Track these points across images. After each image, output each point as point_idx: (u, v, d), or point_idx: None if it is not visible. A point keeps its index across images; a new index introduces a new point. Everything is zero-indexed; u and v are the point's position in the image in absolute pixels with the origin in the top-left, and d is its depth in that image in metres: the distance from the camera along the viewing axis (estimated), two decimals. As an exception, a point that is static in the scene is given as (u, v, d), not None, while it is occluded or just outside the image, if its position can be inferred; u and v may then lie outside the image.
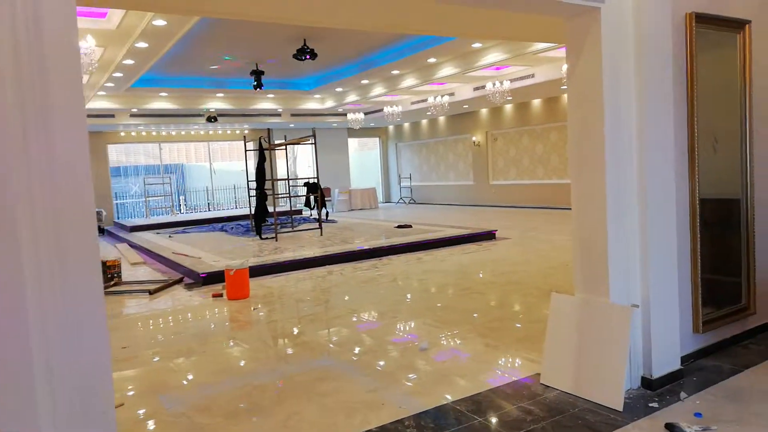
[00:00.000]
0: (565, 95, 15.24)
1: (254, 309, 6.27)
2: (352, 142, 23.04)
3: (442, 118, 20.07)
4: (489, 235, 10.40)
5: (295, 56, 10.43)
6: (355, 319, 5.65)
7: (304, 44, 10.38)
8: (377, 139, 23.61)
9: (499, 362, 4.17)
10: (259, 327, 5.65)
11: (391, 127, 22.99)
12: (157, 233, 13.98)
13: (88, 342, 2.11)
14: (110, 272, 8.21)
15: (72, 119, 2.04)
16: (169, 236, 13.01)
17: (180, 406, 3.65)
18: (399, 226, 11.79)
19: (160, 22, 7.57)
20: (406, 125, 22.01)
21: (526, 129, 16.96)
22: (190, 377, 4.21)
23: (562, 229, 11.58)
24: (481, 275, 7.54)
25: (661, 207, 3.49)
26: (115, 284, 8.07)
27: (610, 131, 3.37)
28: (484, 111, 18.22)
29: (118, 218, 18.88)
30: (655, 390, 3.44)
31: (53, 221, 2.02)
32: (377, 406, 3.46)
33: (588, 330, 3.47)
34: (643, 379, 3.49)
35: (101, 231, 16.45)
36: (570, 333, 3.56)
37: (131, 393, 3.93)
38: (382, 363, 4.27)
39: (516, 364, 4.09)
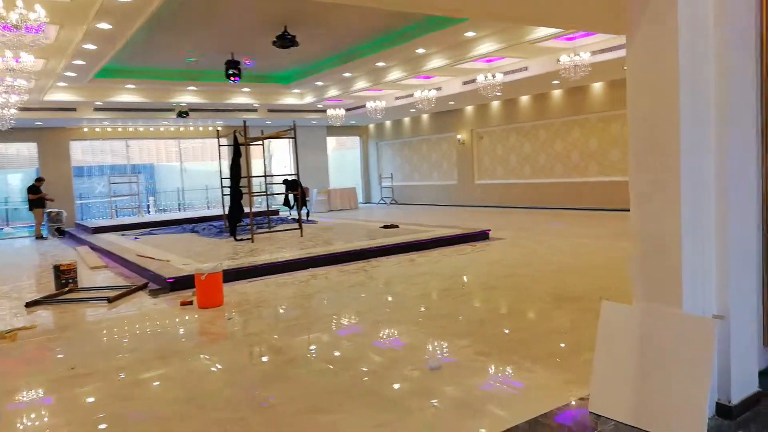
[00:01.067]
0: (555, 91, 14.76)
1: (229, 319, 5.45)
2: (330, 141, 22.23)
3: (425, 116, 19.42)
4: (483, 235, 9.73)
5: (274, 43, 9.62)
6: (346, 330, 4.89)
7: (285, 31, 9.58)
8: (357, 138, 22.85)
9: (527, 383, 3.45)
10: (234, 341, 4.84)
11: (371, 126, 22.26)
12: (122, 235, 12.98)
13: None
14: (64, 277, 7.27)
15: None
16: (135, 238, 12.05)
17: (133, 450, 2.84)
18: (385, 226, 11.05)
19: (123, -4, 6.70)
20: (388, 123, 21.30)
21: (514, 127, 16.39)
22: (149, 407, 3.39)
23: (554, 230, 10.98)
24: (481, 279, 6.83)
25: (743, 199, 2.83)
26: (69, 290, 7.15)
27: (687, 111, 2.67)
28: (469, 108, 17.62)
29: (81, 219, 17.74)
30: (736, 419, 2.77)
31: None
32: (390, 447, 2.71)
33: (654, 347, 2.77)
34: (720, 405, 2.81)
35: (61, 233, 15.32)
36: (628, 350, 2.86)
37: (65, 429, 3.10)
38: (385, 386, 3.52)
39: (550, 387, 3.37)
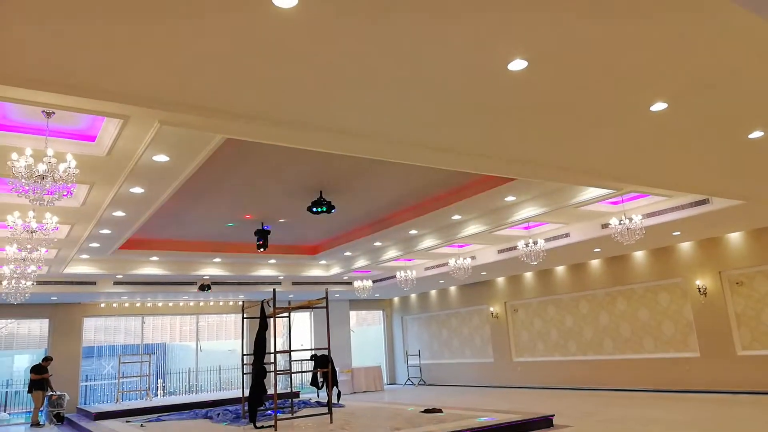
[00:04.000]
0: (593, 261, 14.07)
1: None
2: (351, 316, 21.24)
3: (453, 289, 18.64)
4: (546, 422, 8.28)
5: (309, 209, 9.26)
6: None
7: (321, 196, 9.29)
8: (380, 312, 21.86)
9: None
10: None
11: (396, 299, 21.42)
12: (127, 422, 11.53)
13: None
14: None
15: None
16: (141, 425, 10.63)
17: None
18: (427, 410, 9.61)
19: (161, 158, 6.39)
20: (413, 296, 20.47)
21: (551, 299, 15.45)
22: None
23: (622, 414, 9.45)
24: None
25: None
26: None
27: None
28: (500, 280, 16.88)
29: (84, 404, 16.21)
30: None
31: None
32: None
33: None
34: None
35: (60, 419, 13.80)
36: None
37: None
38: None
39: None
